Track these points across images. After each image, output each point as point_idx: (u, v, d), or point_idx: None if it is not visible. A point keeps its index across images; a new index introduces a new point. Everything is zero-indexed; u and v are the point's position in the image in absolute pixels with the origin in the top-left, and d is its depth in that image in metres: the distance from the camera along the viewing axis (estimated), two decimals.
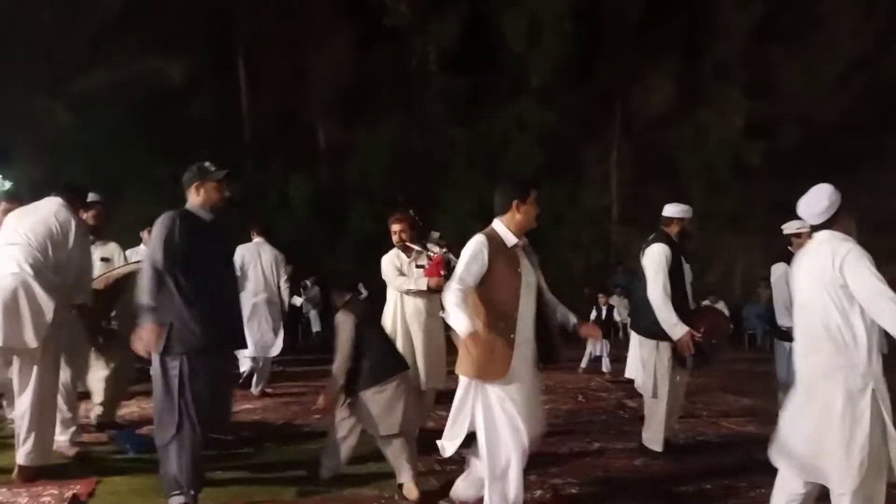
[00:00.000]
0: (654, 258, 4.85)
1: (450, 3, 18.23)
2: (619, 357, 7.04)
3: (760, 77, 18.60)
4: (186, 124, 16.44)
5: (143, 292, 3.48)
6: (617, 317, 13.02)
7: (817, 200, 3.16)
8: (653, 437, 5.00)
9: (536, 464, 4.77)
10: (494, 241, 3.47)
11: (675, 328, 4.67)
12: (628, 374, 5.29)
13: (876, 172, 17.58)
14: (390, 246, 5.31)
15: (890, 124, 17.18)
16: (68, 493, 3.96)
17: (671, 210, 5.09)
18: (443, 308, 4.61)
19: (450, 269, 4.88)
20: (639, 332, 5.09)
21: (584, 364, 9.72)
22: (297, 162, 18.14)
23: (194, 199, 3.76)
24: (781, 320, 5.47)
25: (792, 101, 18.34)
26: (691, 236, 5.25)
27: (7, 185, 15.80)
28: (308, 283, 14.98)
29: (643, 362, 5.00)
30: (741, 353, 12.69)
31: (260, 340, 7.24)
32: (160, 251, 3.48)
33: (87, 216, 5.08)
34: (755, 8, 18.55)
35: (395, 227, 5.22)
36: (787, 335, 5.20)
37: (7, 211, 4.80)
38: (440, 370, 5.30)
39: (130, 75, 16.02)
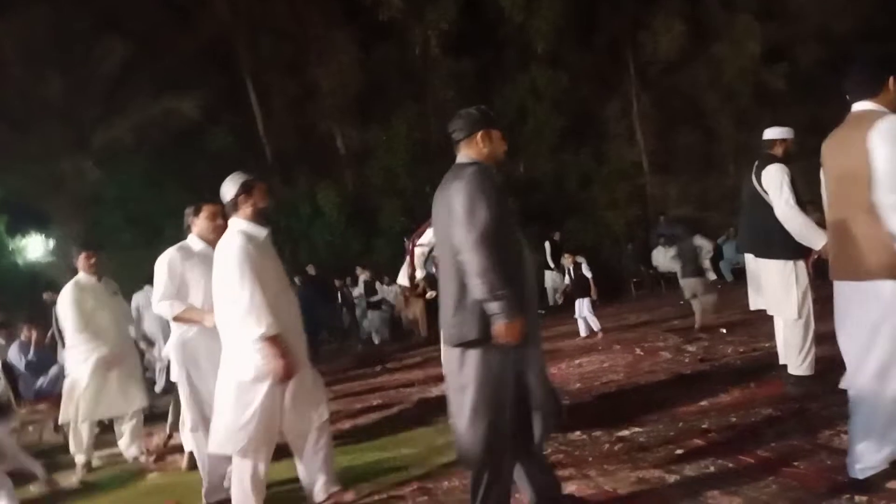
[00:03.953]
0: (775, 176, 4.64)
1: None
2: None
3: None
4: (209, 156, 16.76)
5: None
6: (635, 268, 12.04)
7: None
8: (802, 361, 4.73)
9: (601, 420, 4.80)
10: None
11: (817, 235, 4.39)
12: (755, 305, 5.10)
13: None
14: None
15: None
16: None
17: (772, 133, 4.91)
18: None
19: None
20: (772, 257, 4.80)
21: (583, 332, 9.40)
22: (322, 171, 18.33)
23: (473, 151, 3.05)
24: None
25: (805, 16, 17.73)
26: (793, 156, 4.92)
27: (51, 243, 16.41)
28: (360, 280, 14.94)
29: (780, 286, 4.74)
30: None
31: None
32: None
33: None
34: None
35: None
36: None
37: (90, 258, 4.87)
38: None
39: (147, 119, 16.46)
